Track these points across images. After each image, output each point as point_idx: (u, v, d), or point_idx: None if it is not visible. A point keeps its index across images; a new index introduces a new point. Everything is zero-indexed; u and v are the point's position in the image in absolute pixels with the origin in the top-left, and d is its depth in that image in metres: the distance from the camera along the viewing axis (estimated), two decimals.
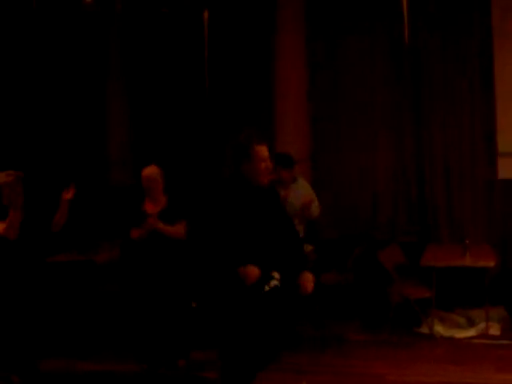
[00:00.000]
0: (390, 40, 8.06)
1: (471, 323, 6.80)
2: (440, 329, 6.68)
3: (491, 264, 6.55)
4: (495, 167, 7.88)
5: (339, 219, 8.14)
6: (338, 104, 8.36)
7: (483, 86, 7.81)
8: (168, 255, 5.63)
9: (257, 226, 3.96)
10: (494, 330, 6.61)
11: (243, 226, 3.91)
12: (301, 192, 6.60)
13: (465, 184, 7.91)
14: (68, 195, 5.58)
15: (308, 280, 4.06)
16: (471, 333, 6.60)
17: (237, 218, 3.90)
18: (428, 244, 7.61)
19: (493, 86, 7.78)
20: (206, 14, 7.85)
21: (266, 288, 3.95)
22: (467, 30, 7.85)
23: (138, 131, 8.96)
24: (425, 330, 6.71)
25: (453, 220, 8.01)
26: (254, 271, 3.82)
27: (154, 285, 5.64)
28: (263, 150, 3.99)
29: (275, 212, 4.14)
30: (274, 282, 3.98)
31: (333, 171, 8.30)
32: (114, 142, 8.90)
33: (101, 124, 8.91)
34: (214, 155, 8.41)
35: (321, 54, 8.34)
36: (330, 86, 8.36)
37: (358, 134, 8.27)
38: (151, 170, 5.80)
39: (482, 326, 6.64)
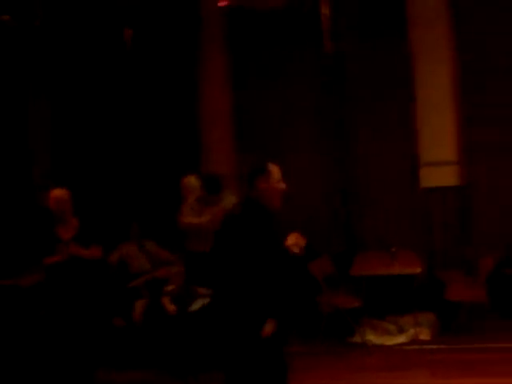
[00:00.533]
0: (315, 55, 8.18)
1: (402, 330, 6.91)
2: (372, 337, 6.76)
3: (418, 271, 6.69)
4: (417, 177, 8.08)
5: None
6: (264, 122, 8.41)
7: (406, 97, 8.02)
8: (85, 275, 5.62)
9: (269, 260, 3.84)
10: (424, 335, 6.75)
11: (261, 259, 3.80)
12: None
13: (390, 193, 8.07)
14: None
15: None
16: (402, 339, 6.71)
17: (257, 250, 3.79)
18: (356, 254, 7.73)
19: (414, 97, 8.02)
20: (127, 32, 7.78)
21: None
22: (390, 42, 8.07)
23: (60, 155, 8.73)
24: (357, 339, 6.78)
25: (378, 229, 8.15)
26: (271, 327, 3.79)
27: (72, 305, 5.60)
28: (278, 170, 3.93)
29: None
30: None
31: None
32: (38, 165, 8.65)
33: (24, 146, 8.64)
34: (135, 180, 8.32)
35: (246, 72, 8.37)
36: (255, 102, 8.40)
37: (283, 150, 8.32)
38: (59, 193, 5.73)
39: (412, 332, 6.77)
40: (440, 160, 7.98)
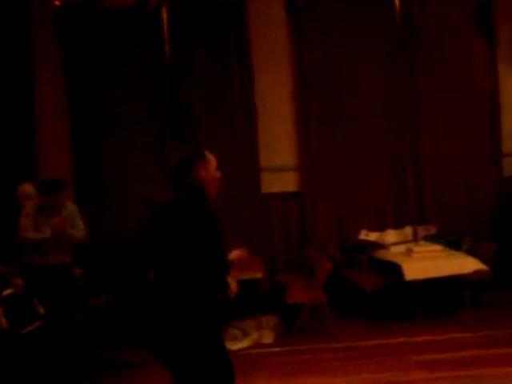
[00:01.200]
0: (152, 63, 8.08)
1: (246, 334, 6.93)
2: None
3: (259, 275, 6.74)
4: (259, 182, 8.19)
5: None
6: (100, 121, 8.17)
7: (246, 99, 8.13)
8: None
9: None
10: (267, 339, 6.80)
11: None
12: (66, 216, 6.25)
13: (231, 198, 8.10)
14: None
15: None
16: (245, 343, 6.72)
17: None
18: None
19: (254, 105, 8.15)
20: None
21: None
22: (226, 44, 8.14)
23: None
24: None
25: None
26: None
27: None
28: (214, 158, 3.84)
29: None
30: None
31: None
32: None
33: None
34: None
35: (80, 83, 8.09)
36: (91, 102, 8.14)
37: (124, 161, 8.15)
38: None
39: (256, 335, 6.81)
40: (279, 166, 8.14)
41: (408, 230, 7.86)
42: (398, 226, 8.10)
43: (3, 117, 7.83)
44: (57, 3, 6.84)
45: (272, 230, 8.26)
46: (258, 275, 6.72)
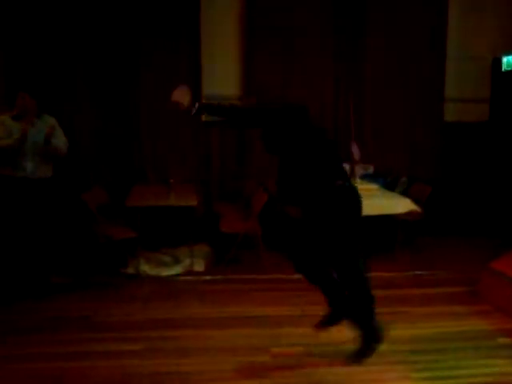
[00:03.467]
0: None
1: (177, 261, 6.89)
2: (146, 268, 6.66)
3: (194, 203, 6.66)
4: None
5: None
6: None
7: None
8: None
9: None
10: (199, 267, 6.79)
11: None
12: (44, 127, 6.00)
13: (170, 126, 7.93)
14: None
15: None
16: (176, 270, 6.70)
17: None
18: (134, 185, 7.54)
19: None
20: None
21: None
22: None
23: None
24: (131, 270, 6.65)
25: (157, 161, 8.00)
26: None
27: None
28: None
29: None
30: None
31: None
32: None
33: None
34: None
35: None
36: None
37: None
38: None
39: (188, 263, 6.78)
40: (223, 95, 7.96)
41: (345, 167, 7.84)
42: None
43: None
44: None
45: (210, 158, 8.15)
46: (193, 203, 6.62)
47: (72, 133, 7.17)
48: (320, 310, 4.57)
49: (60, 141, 6.06)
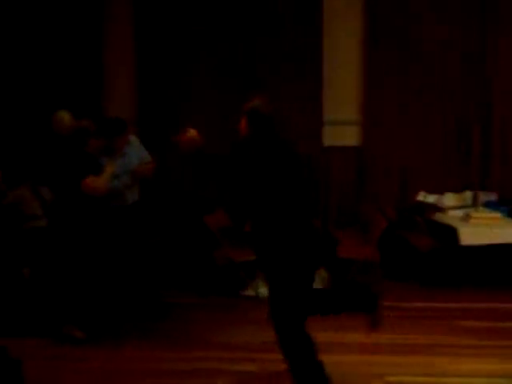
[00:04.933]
0: None
1: None
2: (264, 290, 6.77)
3: None
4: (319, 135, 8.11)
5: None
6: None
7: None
8: None
9: None
10: None
11: None
12: (133, 154, 6.32)
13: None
14: None
15: None
16: None
17: None
18: None
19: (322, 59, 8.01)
20: None
21: None
22: None
23: None
24: (250, 292, 6.81)
25: None
26: None
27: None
28: None
29: None
30: None
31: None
32: None
33: None
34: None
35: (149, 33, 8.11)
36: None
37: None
38: None
39: None
40: (343, 120, 8.02)
41: (468, 195, 7.69)
42: (458, 189, 7.91)
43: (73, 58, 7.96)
44: None
45: (330, 183, 8.20)
46: None
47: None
48: (436, 339, 4.52)
49: (146, 161, 6.27)
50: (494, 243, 6.24)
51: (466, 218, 7.02)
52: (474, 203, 7.48)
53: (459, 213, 7.29)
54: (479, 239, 6.68)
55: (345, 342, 5.41)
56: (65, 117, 6.39)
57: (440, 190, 7.85)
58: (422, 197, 7.83)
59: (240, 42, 7.99)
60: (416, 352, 5.10)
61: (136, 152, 6.26)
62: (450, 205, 7.54)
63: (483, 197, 7.60)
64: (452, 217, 7.29)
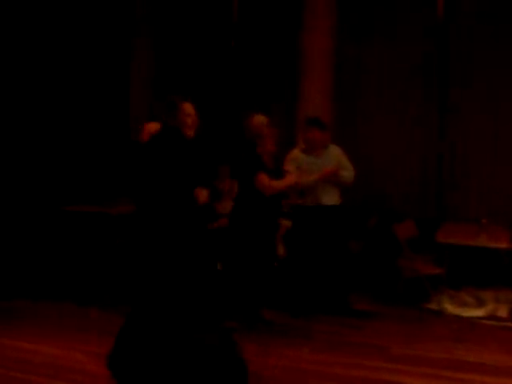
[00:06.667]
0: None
1: (480, 303, 6.78)
2: (449, 306, 6.68)
3: (503, 245, 6.51)
4: None
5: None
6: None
7: None
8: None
9: None
10: (502, 312, 6.60)
11: None
12: (330, 159, 6.58)
13: (485, 165, 7.86)
14: None
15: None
16: (480, 313, 6.59)
17: None
18: (443, 222, 7.60)
19: None
20: None
21: None
22: None
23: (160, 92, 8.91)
24: (433, 306, 6.73)
25: (470, 200, 7.96)
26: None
27: None
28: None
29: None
30: None
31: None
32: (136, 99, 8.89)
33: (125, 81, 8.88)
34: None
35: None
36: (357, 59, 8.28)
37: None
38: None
39: (491, 306, 6.64)
40: None
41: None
42: None
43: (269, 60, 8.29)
44: None
45: None
46: (502, 245, 6.48)
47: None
48: None
49: (346, 171, 6.48)
50: None
51: None
52: None
53: None
54: None
55: None
56: (260, 119, 6.70)
57: None
58: None
59: None
60: None
61: (334, 159, 6.51)
62: None
63: None
64: None
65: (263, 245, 5.91)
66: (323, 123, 6.64)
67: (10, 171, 7.50)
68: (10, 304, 6.59)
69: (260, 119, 6.11)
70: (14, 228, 7.45)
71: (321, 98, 7.89)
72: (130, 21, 8.85)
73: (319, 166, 6.46)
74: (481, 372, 5.03)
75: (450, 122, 8.07)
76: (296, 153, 6.63)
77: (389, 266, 7.39)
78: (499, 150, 7.90)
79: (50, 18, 8.13)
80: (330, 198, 6.52)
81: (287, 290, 6.50)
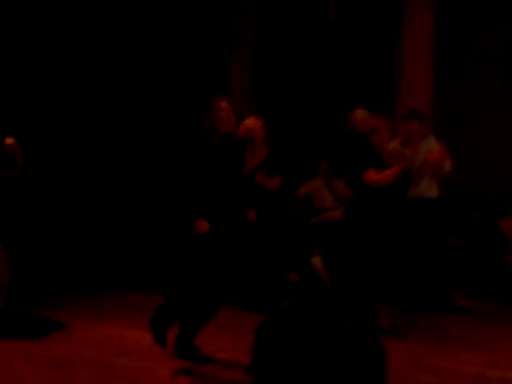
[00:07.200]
0: None
1: None
2: None
3: None
4: None
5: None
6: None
7: None
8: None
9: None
10: None
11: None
12: (429, 149, 6.47)
13: None
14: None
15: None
16: None
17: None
18: None
19: None
20: None
21: None
22: None
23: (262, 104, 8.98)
24: None
25: None
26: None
27: None
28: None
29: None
30: None
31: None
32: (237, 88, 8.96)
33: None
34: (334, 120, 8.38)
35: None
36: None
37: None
38: (251, 121, 6.03)
39: None
40: None
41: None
42: None
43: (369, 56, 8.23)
44: None
45: None
46: None
47: None
48: None
49: (446, 164, 6.29)
50: None
51: None
52: None
53: None
54: None
55: None
56: (361, 113, 6.65)
57: None
58: None
59: None
60: None
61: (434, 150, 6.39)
62: None
63: None
64: None
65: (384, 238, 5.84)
66: (421, 114, 6.53)
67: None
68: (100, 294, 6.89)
69: (362, 113, 6.11)
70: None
71: (421, 91, 7.76)
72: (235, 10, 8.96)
73: (417, 159, 6.34)
74: None
75: None
76: (394, 145, 6.53)
77: (495, 261, 7.17)
78: None
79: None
80: (429, 190, 6.40)
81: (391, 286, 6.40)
